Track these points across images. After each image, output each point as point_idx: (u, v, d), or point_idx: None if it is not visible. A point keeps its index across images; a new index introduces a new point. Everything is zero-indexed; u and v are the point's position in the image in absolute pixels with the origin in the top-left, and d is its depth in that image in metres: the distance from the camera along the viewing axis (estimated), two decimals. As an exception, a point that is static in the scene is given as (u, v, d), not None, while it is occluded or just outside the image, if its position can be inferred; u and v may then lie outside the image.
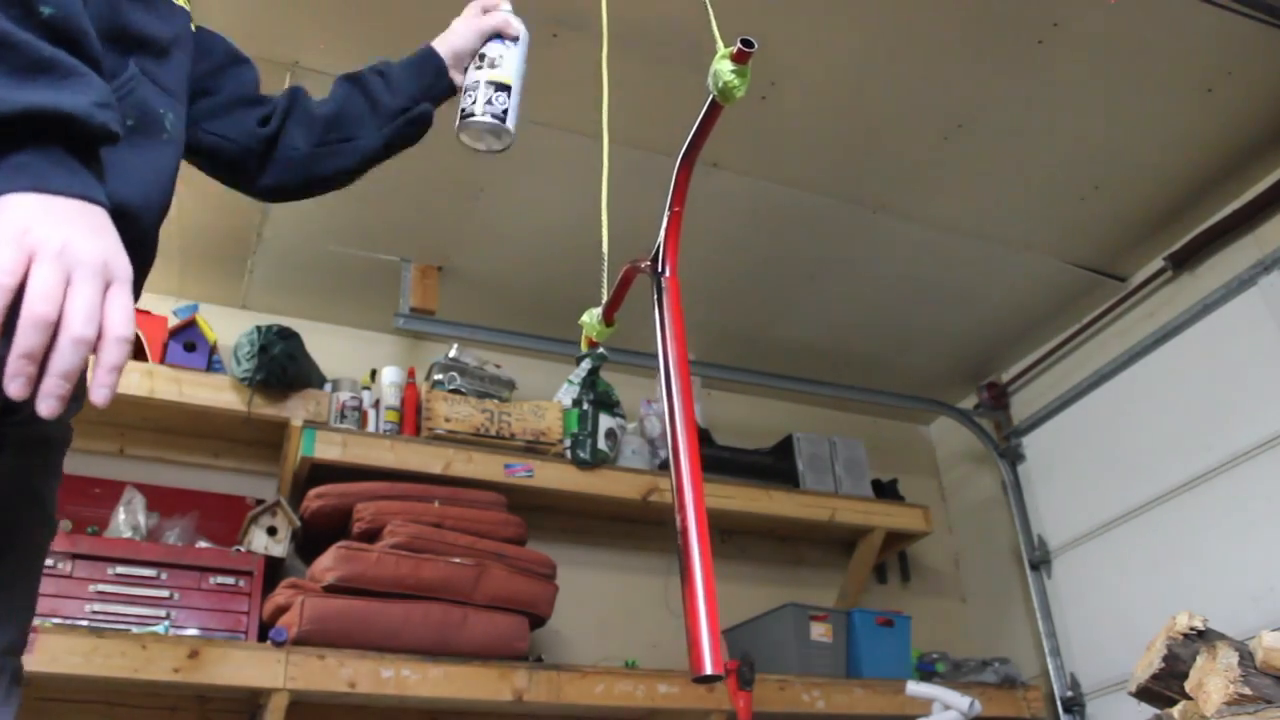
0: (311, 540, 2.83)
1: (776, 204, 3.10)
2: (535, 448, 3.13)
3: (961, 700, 2.76)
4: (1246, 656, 1.50)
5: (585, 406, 3.25)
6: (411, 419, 3.09)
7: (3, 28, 0.77)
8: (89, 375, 0.78)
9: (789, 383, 3.80)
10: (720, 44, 1.19)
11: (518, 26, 1.47)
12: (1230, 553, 2.93)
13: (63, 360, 0.73)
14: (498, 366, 3.31)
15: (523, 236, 3.20)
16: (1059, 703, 3.44)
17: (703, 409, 3.74)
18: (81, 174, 0.80)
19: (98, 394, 0.75)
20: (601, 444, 3.21)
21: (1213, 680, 1.50)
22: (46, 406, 0.72)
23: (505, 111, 1.41)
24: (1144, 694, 1.68)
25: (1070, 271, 3.47)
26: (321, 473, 2.88)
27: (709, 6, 1.29)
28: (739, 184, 3.00)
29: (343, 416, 2.99)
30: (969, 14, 2.50)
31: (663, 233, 1.37)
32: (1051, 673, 3.49)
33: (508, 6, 1.48)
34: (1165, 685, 1.62)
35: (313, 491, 2.82)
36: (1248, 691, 1.46)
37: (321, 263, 3.20)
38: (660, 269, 1.36)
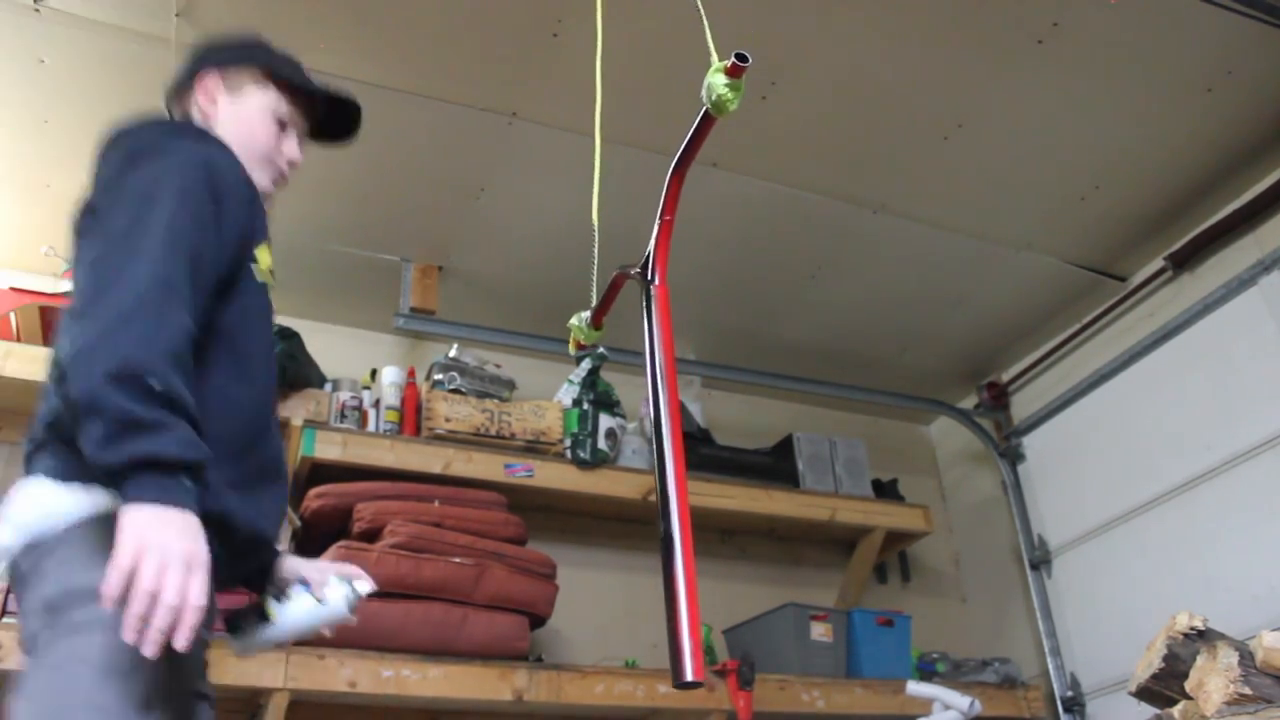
0: (311, 540, 2.82)
1: (776, 204, 3.10)
2: (535, 448, 3.13)
3: (961, 700, 2.76)
4: (1246, 656, 1.50)
5: (585, 406, 3.25)
6: (411, 419, 3.09)
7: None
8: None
9: (789, 383, 3.80)
10: (715, 57, 1.18)
11: (333, 601, 1.46)
12: (1230, 553, 2.93)
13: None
14: (498, 366, 3.31)
15: (523, 236, 3.20)
16: (1059, 703, 3.44)
17: (703, 409, 3.74)
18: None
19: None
20: (601, 444, 3.21)
21: (1213, 680, 1.50)
22: None
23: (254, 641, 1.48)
24: (1144, 694, 1.68)
25: (1070, 271, 3.47)
26: (321, 472, 2.88)
27: (704, 18, 1.28)
28: (739, 184, 3.00)
29: (343, 416, 2.99)
30: (969, 14, 2.49)
31: (653, 241, 1.36)
32: (1051, 673, 3.49)
33: (364, 589, 1.49)
34: (1165, 685, 1.63)
35: (313, 491, 2.82)
36: (1248, 691, 1.46)
37: (322, 262, 3.20)
38: (650, 277, 1.35)
